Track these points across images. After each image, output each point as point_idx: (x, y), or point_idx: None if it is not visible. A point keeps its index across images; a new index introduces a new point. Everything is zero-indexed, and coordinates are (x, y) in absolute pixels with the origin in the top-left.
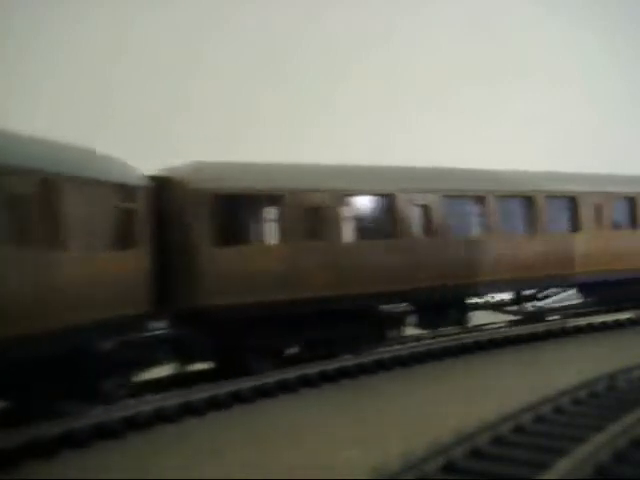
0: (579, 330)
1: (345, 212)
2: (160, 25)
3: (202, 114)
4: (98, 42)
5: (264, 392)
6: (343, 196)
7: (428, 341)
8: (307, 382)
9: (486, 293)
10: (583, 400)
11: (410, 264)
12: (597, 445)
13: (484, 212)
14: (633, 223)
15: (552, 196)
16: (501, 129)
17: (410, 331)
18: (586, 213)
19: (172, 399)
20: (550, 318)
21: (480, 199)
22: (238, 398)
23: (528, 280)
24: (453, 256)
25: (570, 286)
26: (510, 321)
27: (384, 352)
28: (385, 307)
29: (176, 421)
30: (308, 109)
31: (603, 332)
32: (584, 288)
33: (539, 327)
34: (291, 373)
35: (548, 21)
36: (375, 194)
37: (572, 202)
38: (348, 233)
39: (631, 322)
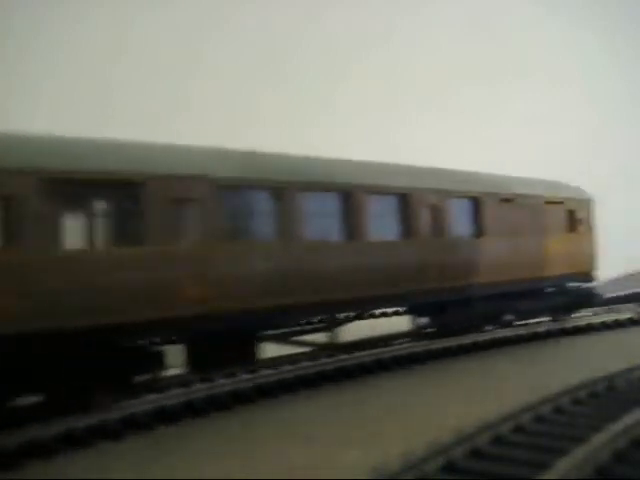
0: (579, 330)
1: (54, 206)
2: (160, 25)
3: (202, 114)
4: (98, 42)
5: (264, 392)
6: (49, 181)
7: (426, 342)
8: (307, 382)
9: (283, 321)
10: (583, 400)
11: (166, 282)
12: (597, 445)
13: (283, 210)
14: (478, 229)
15: (377, 192)
16: (501, 129)
17: (176, 372)
18: (420, 216)
19: (172, 399)
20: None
21: (278, 192)
22: (238, 398)
23: (343, 302)
24: (233, 271)
25: (398, 308)
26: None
27: (384, 352)
28: (133, 343)
29: (176, 421)
30: (308, 109)
31: (603, 332)
32: (417, 310)
33: (539, 327)
34: (291, 373)
35: (548, 21)
36: (109, 180)
37: (403, 201)
38: (57, 237)
39: (631, 322)
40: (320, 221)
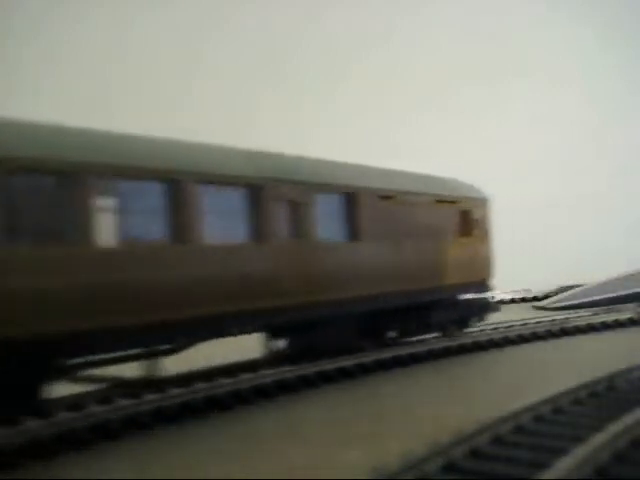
0: (579, 330)
1: None
2: (160, 25)
3: (202, 114)
4: (98, 42)
5: (264, 392)
6: None
7: (427, 342)
8: (307, 382)
9: (78, 352)
10: (583, 400)
11: None
12: (597, 445)
13: (78, 203)
14: (352, 231)
15: (214, 182)
16: (501, 129)
17: None
18: (275, 213)
19: (172, 399)
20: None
21: (70, 179)
22: (238, 398)
23: (167, 324)
24: (31, 282)
25: (252, 330)
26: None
27: (384, 352)
28: None
29: (176, 421)
30: (308, 109)
31: (603, 332)
32: (273, 330)
33: (539, 327)
34: (290, 373)
35: (548, 21)
36: None
37: (252, 195)
38: None
39: (631, 322)
40: (133, 218)
